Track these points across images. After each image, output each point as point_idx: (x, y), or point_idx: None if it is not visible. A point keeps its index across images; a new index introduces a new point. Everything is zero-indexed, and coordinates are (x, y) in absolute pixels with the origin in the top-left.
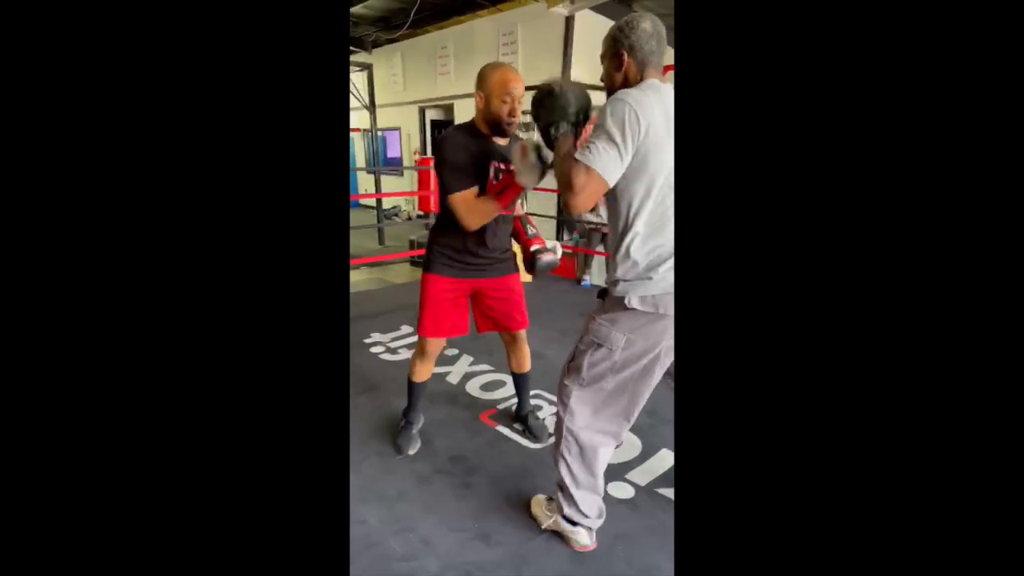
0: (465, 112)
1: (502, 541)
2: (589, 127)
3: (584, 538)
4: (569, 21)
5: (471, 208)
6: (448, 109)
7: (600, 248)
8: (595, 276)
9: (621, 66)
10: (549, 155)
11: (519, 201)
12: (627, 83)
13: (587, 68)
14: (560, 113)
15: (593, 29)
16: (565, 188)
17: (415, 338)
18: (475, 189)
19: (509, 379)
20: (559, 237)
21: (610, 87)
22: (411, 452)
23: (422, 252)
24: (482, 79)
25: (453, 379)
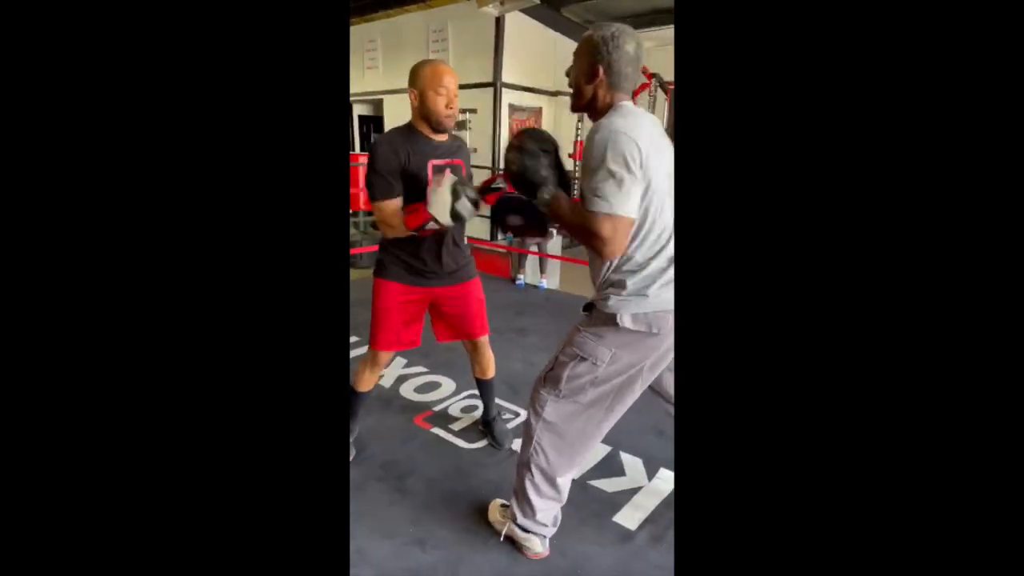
0: (394, 108)
1: (438, 545)
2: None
3: (537, 546)
4: (499, 21)
5: (384, 220)
6: (377, 105)
7: (533, 248)
8: (529, 276)
9: (593, 79)
10: (468, 208)
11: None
12: (595, 100)
13: (517, 69)
14: (540, 176)
15: (523, 30)
16: (593, 241)
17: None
18: (393, 202)
19: (444, 380)
20: (492, 237)
21: (577, 95)
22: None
23: (351, 252)
24: (414, 75)
25: (386, 382)
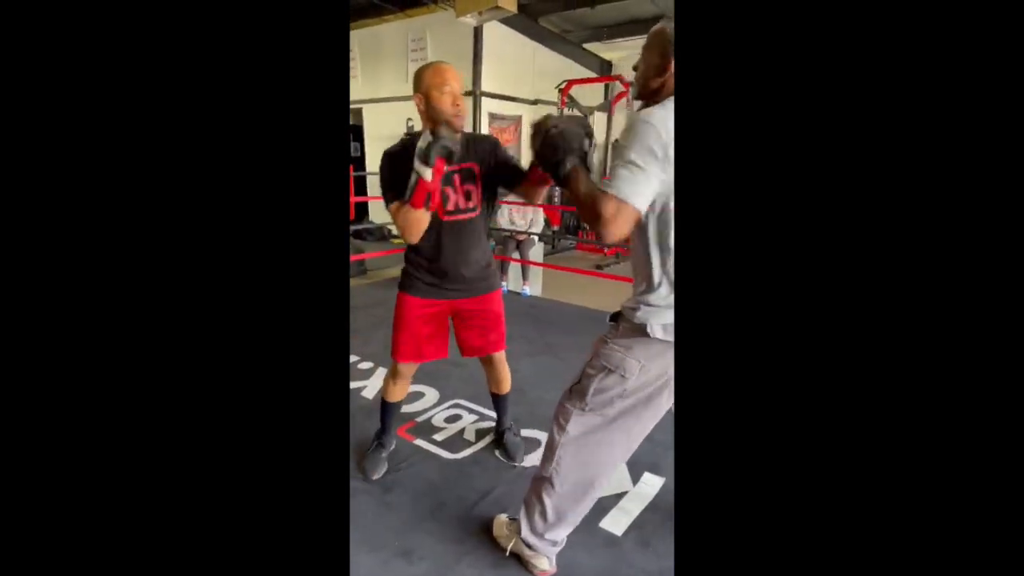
0: (374, 118)
1: (424, 556)
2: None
3: (545, 563)
4: (478, 31)
5: (397, 221)
6: (356, 114)
7: (515, 255)
8: (511, 283)
9: (663, 72)
10: (433, 155)
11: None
12: (661, 93)
13: (497, 78)
14: (563, 151)
15: (502, 40)
16: (594, 220)
17: None
18: (397, 201)
19: (427, 391)
20: None
21: (643, 88)
22: (375, 477)
23: None
24: (417, 81)
25: (369, 393)
